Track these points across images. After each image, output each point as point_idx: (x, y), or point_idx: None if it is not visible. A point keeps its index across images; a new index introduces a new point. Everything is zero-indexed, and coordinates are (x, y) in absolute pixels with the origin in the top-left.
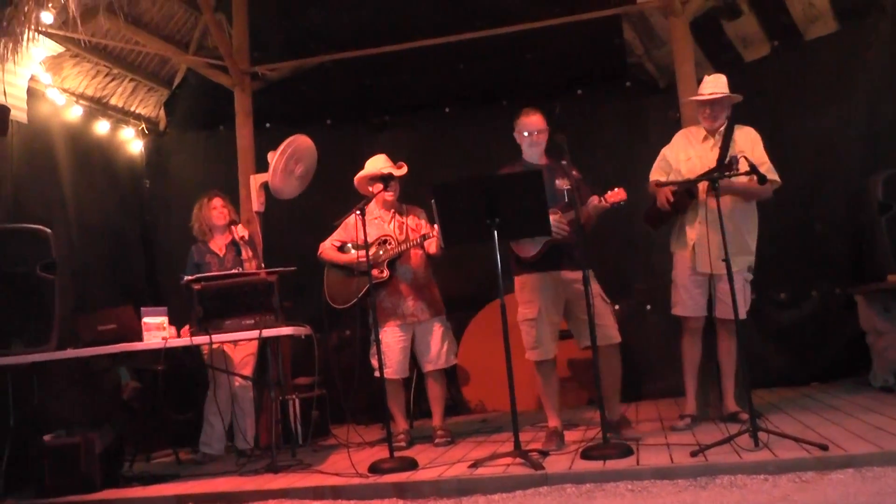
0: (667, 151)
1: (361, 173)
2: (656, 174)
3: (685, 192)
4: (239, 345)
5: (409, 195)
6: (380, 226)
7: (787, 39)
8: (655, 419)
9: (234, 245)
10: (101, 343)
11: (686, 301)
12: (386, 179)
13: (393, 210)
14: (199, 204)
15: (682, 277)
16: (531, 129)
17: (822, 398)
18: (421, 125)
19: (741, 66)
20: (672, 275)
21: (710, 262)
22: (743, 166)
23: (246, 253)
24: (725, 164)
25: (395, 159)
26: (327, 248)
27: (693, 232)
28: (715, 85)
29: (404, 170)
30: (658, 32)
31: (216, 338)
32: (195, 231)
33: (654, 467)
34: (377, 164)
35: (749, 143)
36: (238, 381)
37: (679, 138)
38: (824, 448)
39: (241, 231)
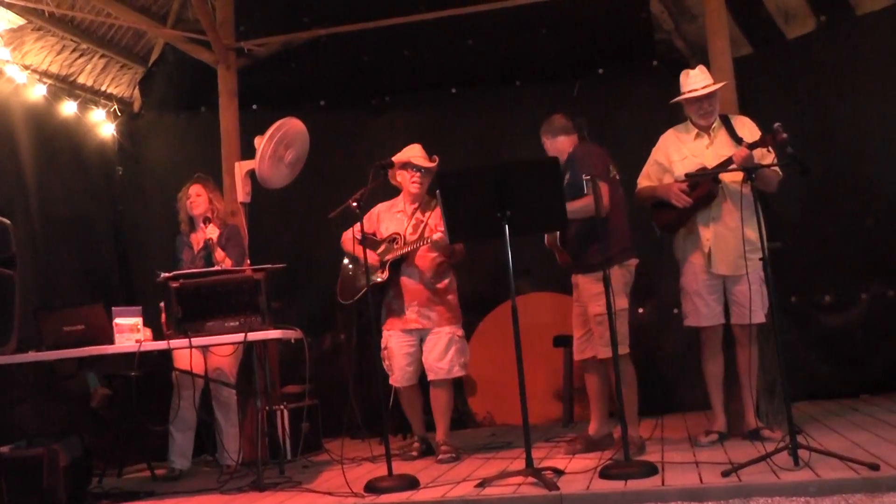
0: (657, 155)
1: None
2: (646, 180)
3: (712, 181)
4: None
5: None
6: (400, 221)
7: (836, 13)
8: (683, 434)
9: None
10: (66, 345)
11: (701, 310)
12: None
13: (416, 205)
14: (183, 189)
15: (695, 284)
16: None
17: (872, 412)
18: (425, 107)
19: (782, 43)
20: (681, 283)
21: (729, 263)
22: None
23: (218, 255)
24: (770, 136)
25: (395, 144)
26: (348, 239)
27: (708, 232)
28: (704, 78)
29: (434, 163)
30: (689, 5)
31: (196, 341)
32: (180, 219)
33: (681, 488)
34: (409, 152)
35: (748, 133)
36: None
37: (668, 139)
38: (875, 468)
39: (210, 232)
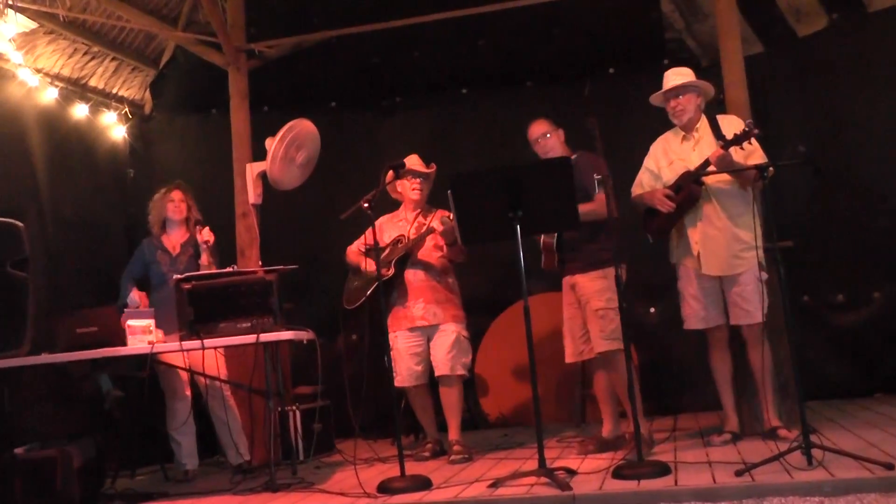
0: (648, 163)
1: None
2: (639, 188)
3: (694, 183)
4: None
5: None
6: (403, 228)
7: (848, 11)
8: (696, 434)
9: (193, 246)
10: (79, 347)
11: (699, 312)
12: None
13: (418, 211)
14: (160, 193)
15: (690, 288)
16: (532, 138)
17: (886, 411)
18: (436, 108)
19: (794, 41)
20: (678, 287)
21: (720, 264)
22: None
23: (205, 258)
24: (742, 133)
25: (407, 146)
26: (353, 251)
27: (696, 234)
28: (675, 78)
29: (431, 169)
30: (700, 4)
31: (208, 343)
32: (150, 221)
33: (694, 488)
34: (407, 161)
35: (732, 131)
36: (215, 386)
37: (657, 146)
38: (889, 467)
39: (206, 235)
